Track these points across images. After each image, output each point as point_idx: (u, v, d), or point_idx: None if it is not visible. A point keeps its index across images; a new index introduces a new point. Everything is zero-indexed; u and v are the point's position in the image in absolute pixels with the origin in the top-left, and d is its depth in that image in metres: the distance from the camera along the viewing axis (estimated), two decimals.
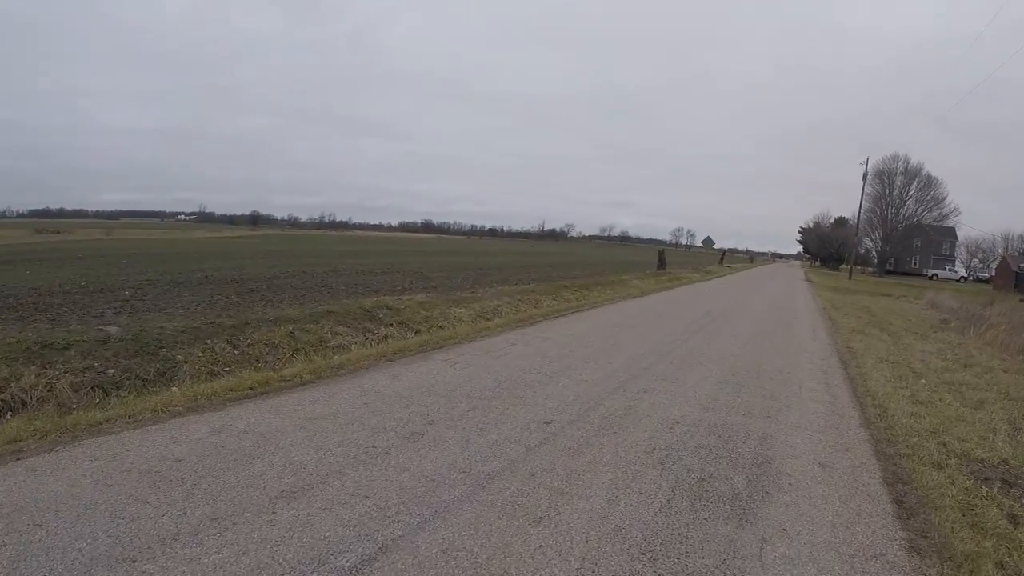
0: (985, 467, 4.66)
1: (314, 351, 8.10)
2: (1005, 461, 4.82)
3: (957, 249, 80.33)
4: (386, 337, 9.01)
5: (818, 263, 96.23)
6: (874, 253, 74.90)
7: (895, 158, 66.95)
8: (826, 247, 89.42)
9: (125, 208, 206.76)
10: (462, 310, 11.35)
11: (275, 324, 8.68)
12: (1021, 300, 30.44)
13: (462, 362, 7.17)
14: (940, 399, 6.86)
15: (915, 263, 75.02)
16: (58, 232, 68.37)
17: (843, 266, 78.72)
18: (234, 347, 7.77)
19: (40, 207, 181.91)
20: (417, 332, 9.53)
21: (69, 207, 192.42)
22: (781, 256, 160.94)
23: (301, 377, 6.15)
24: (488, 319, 11.11)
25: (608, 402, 5.72)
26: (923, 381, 7.80)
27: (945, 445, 5.07)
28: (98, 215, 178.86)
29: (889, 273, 68.06)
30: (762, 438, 4.93)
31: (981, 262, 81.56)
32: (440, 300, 11.95)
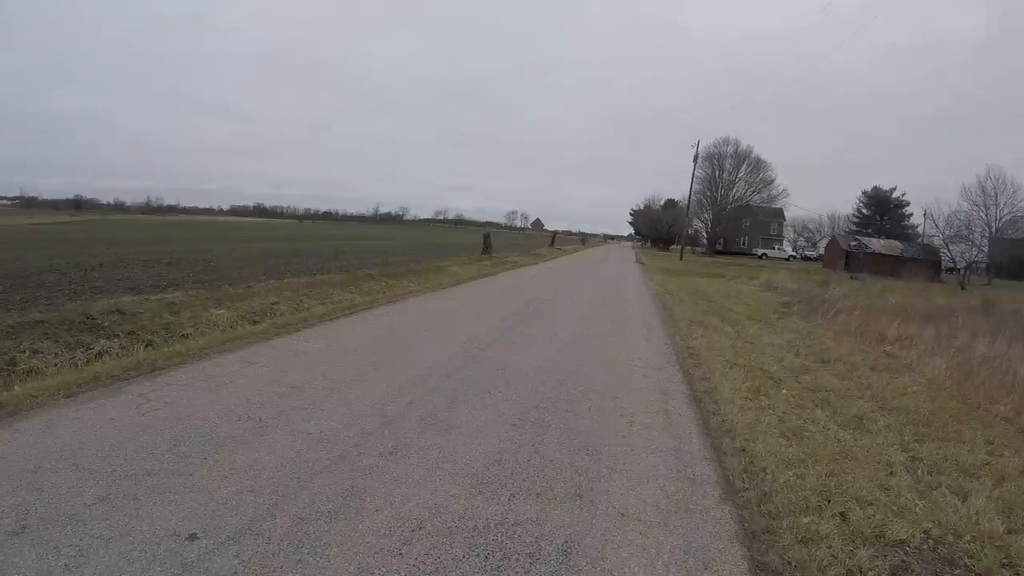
0: (910, 557, 3.43)
1: None
2: (927, 533, 3.68)
3: (785, 229, 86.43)
4: (100, 355, 7.40)
5: (649, 244, 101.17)
6: (704, 234, 79.69)
7: (725, 141, 71.44)
8: (657, 229, 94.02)
9: None
10: (223, 311, 9.72)
11: None
12: (852, 278, 33.39)
13: (160, 397, 5.37)
14: (812, 420, 5.78)
15: (744, 243, 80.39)
16: None
17: (673, 247, 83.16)
18: None
19: None
20: (148, 344, 7.95)
21: None
22: (613, 237, 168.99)
23: None
24: (253, 322, 9.59)
25: (321, 481, 3.85)
26: (784, 391, 6.81)
27: (846, 520, 3.75)
28: None
29: (719, 253, 72.67)
30: (562, 553, 3.19)
31: (807, 241, 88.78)
32: (201, 299, 10.24)
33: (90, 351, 7.34)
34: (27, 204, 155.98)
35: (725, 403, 6.17)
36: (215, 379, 6.16)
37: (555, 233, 67.38)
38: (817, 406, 6.32)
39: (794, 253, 78.84)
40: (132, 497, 3.52)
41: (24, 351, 6.91)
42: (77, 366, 6.87)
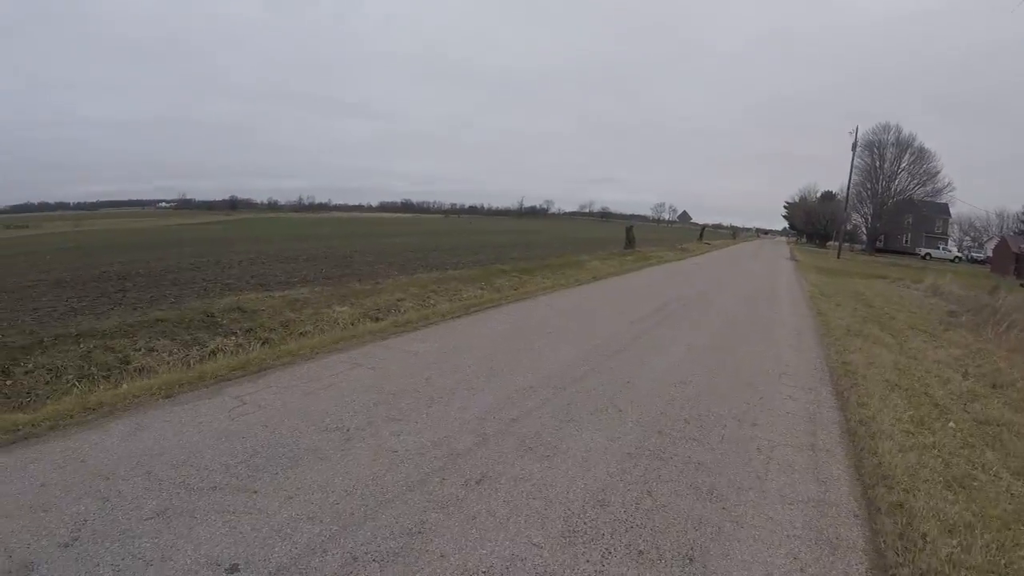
0: None
1: (105, 377, 6.21)
2: None
3: (950, 227, 77.00)
4: (214, 353, 7.09)
5: (804, 240, 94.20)
6: (863, 230, 72.33)
7: (885, 128, 64.13)
8: (812, 223, 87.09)
9: (107, 199, 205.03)
10: (345, 308, 9.36)
11: (76, 341, 6.80)
12: (1022, 285, 28.86)
13: (256, 400, 4.98)
14: (982, 466, 4.54)
15: (906, 241, 72.18)
16: (26, 227, 66.26)
17: (830, 243, 76.69)
18: (6, 376, 5.94)
19: (20, 202, 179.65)
20: (265, 342, 7.60)
21: (51, 201, 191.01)
22: (766, 232, 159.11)
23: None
24: (375, 320, 9.15)
25: (389, 513, 3.25)
26: (951, 424, 5.47)
27: None
28: (79, 207, 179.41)
29: (879, 251, 65.88)
30: None
31: (973, 240, 79.29)
32: (326, 295, 10.00)
33: (204, 349, 7.11)
34: (184, 205, 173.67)
35: (883, 438, 4.94)
36: (318, 381, 5.70)
37: (704, 227, 64.12)
38: (988, 446, 5.05)
39: (960, 254, 69.18)
40: (189, 514, 3.20)
41: (139, 349, 6.77)
42: (189, 365, 6.62)
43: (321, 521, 3.16)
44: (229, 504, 3.30)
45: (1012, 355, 9.22)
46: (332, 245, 25.31)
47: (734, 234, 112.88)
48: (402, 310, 9.85)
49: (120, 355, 6.56)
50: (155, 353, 6.77)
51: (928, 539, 3.38)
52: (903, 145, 63.50)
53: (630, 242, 29.16)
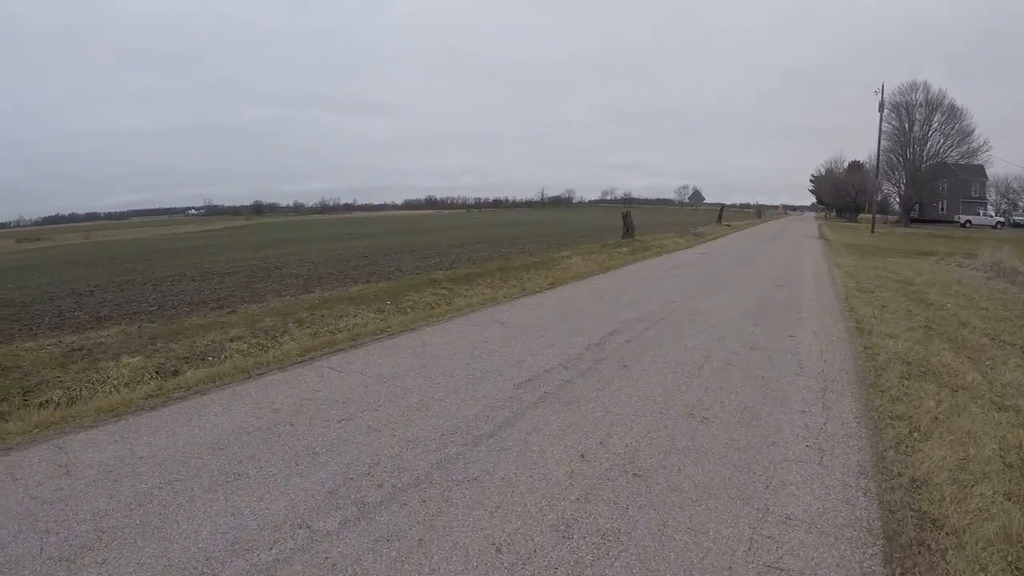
0: None
1: None
2: None
3: (987, 190, 70.48)
4: None
5: (833, 214, 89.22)
6: (896, 199, 66.35)
7: (913, 87, 57.77)
8: (841, 196, 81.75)
9: (136, 208, 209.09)
10: (137, 359, 6.42)
11: None
12: None
13: None
14: None
15: (943, 208, 66.34)
16: (38, 239, 65.56)
17: (862, 216, 71.71)
18: None
19: (52, 214, 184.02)
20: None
21: (81, 211, 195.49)
22: (794, 208, 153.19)
23: None
24: (174, 373, 6.26)
25: None
26: None
27: None
28: (109, 216, 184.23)
29: (914, 221, 60.53)
30: None
31: (1011, 203, 73.44)
32: (132, 337, 7.27)
33: None
34: (211, 212, 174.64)
35: None
36: None
37: (722, 208, 59.67)
38: None
39: (1001, 219, 63.10)
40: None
41: None
42: None
43: None
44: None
45: None
46: (288, 252, 22.54)
47: (759, 213, 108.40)
48: (224, 356, 6.91)
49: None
50: None
51: None
52: (933, 104, 57.27)
53: (628, 230, 25.71)
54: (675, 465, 3.85)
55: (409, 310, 9.62)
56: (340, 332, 7.99)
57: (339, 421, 4.58)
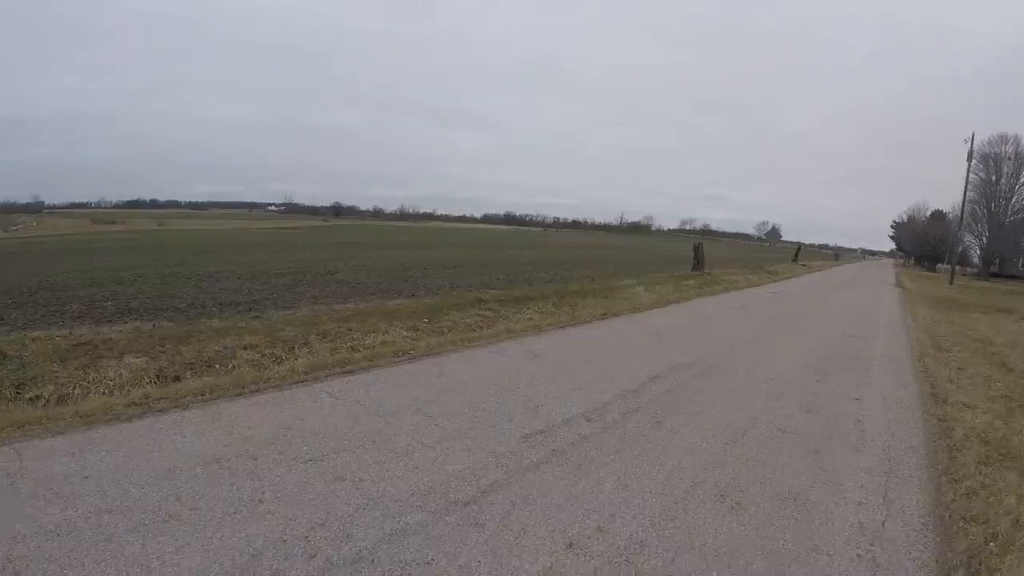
0: None
1: None
2: None
3: None
4: None
5: (912, 262, 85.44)
6: (977, 251, 64.18)
7: (1003, 139, 56.18)
8: (921, 244, 79.09)
9: (218, 199, 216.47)
10: (140, 359, 6.21)
11: None
12: None
13: None
14: None
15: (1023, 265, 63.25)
16: (113, 223, 68.73)
17: (940, 266, 69.01)
18: None
19: (134, 198, 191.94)
20: None
21: (162, 198, 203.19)
22: (873, 253, 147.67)
23: None
24: (176, 378, 5.87)
25: None
26: None
27: None
28: (190, 206, 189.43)
29: (994, 276, 57.34)
30: None
31: None
32: (144, 338, 7.03)
33: None
34: (290, 210, 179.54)
35: None
36: None
37: (799, 247, 57.38)
38: None
39: None
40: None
41: None
42: None
43: None
44: None
45: None
46: (348, 256, 22.50)
47: (836, 255, 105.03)
48: (231, 365, 6.50)
49: None
50: None
51: None
52: (1022, 158, 55.45)
53: (698, 262, 24.55)
54: (685, 572, 3.06)
55: (446, 331, 9.06)
56: (362, 350, 7.49)
57: (306, 461, 3.98)
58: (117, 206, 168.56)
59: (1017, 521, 3.82)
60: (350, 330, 8.19)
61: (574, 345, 8.76)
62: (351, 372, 6.33)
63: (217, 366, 6.47)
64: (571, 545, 3.20)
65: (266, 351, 7.06)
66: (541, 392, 6.08)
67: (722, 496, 3.97)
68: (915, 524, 3.78)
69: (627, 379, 6.85)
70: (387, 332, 8.39)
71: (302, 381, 5.89)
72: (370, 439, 4.44)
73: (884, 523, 3.76)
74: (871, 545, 3.46)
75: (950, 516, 3.92)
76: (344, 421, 4.80)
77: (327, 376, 6.12)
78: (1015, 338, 13.21)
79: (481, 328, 9.50)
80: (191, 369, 6.31)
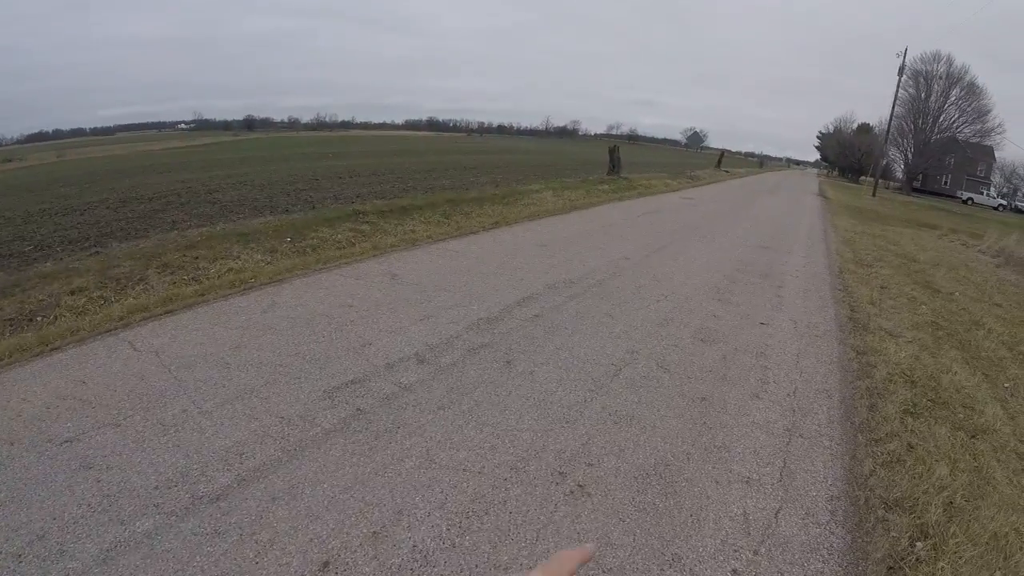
0: None
1: None
2: None
3: (992, 171, 69.87)
4: None
5: (836, 173, 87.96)
6: (901, 166, 65.96)
7: (936, 57, 56.76)
8: (847, 156, 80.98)
9: (125, 122, 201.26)
10: None
11: None
12: None
13: None
14: None
15: (946, 182, 66.36)
16: (10, 160, 62.74)
17: (864, 178, 71.31)
18: None
19: (35, 131, 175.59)
20: None
21: (66, 127, 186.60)
22: (798, 163, 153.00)
23: None
24: None
25: None
26: None
27: None
28: (95, 132, 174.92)
29: (916, 191, 60.15)
30: None
31: (1015, 189, 71.53)
32: None
33: None
34: (202, 126, 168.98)
35: None
36: None
37: (722, 153, 57.84)
38: None
39: (1004, 202, 61.78)
40: None
41: None
42: None
43: None
44: None
45: None
46: (238, 173, 20.79)
47: (761, 163, 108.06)
48: (53, 316, 5.58)
49: None
50: None
51: None
52: (953, 78, 56.12)
53: (614, 166, 24.00)
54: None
55: (309, 251, 8.25)
56: (205, 281, 6.65)
57: (62, 443, 3.19)
58: (19, 141, 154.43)
59: (951, 504, 3.12)
60: (196, 259, 7.30)
61: (446, 261, 7.98)
62: (171, 312, 5.45)
63: (39, 318, 5.58)
64: (327, 566, 2.45)
65: (95, 294, 6.12)
66: (379, 325, 5.27)
67: (561, 475, 3.16)
68: (819, 515, 3.02)
69: (490, 303, 6.14)
70: (239, 258, 7.54)
71: (111, 330, 4.96)
72: (143, 406, 3.65)
73: (777, 514, 2.99)
74: (754, 554, 2.69)
75: (866, 500, 3.17)
76: (129, 381, 3.97)
77: (144, 320, 5.23)
78: (938, 255, 13.12)
79: (352, 246, 8.74)
80: (11, 326, 5.38)
